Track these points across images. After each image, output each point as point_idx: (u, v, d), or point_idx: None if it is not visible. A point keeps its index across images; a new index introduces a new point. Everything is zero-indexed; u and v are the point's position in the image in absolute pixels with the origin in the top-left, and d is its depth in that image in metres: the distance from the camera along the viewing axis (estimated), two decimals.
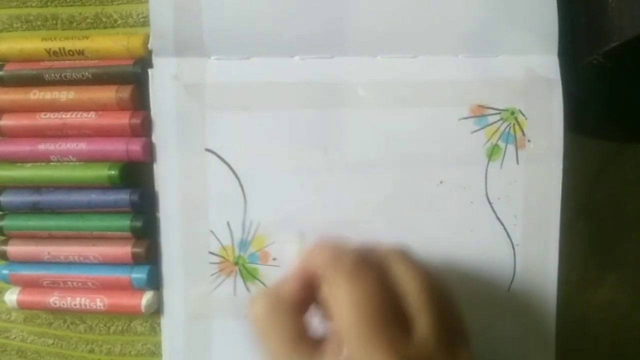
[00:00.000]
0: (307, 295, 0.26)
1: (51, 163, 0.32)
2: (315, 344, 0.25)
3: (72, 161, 0.32)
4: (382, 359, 0.23)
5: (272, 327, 0.25)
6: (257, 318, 0.25)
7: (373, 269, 0.25)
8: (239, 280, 0.33)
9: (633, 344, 0.37)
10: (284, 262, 0.32)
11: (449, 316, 0.26)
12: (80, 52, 0.32)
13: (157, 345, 0.35)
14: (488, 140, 0.32)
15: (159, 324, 0.34)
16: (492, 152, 0.32)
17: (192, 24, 0.31)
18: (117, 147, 0.32)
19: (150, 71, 0.32)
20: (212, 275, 0.33)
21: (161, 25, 0.31)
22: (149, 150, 0.32)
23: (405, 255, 0.27)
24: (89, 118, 0.32)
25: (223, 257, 0.32)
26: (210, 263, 0.32)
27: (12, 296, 0.33)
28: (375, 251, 0.27)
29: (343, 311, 0.24)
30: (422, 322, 0.24)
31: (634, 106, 0.36)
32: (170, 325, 0.33)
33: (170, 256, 0.33)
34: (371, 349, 0.23)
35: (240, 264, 0.33)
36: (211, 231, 0.32)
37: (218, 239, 0.32)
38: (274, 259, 0.32)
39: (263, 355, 0.25)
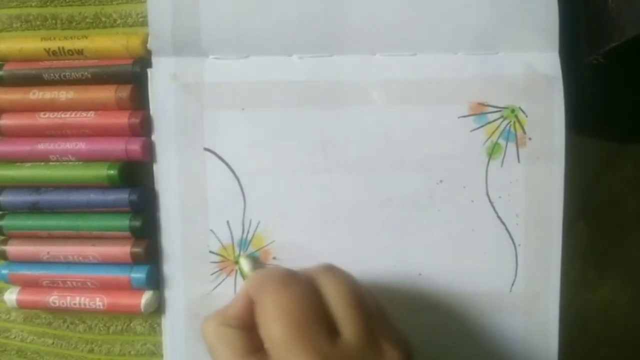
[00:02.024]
0: (250, 315, 0.27)
1: (50, 163, 0.32)
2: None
3: (71, 161, 0.32)
4: None
5: (220, 343, 0.27)
6: (207, 335, 0.27)
7: (299, 281, 0.27)
8: (239, 279, 0.33)
9: (633, 343, 0.37)
10: (283, 261, 0.32)
11: (375, 319, 0.27)
12: (80, 52, 0.32)
13: (157, 345, 0.35)
14: (488, 139, 0.32)
15: (158, 324, 0.34)
16: (493, 151, 0.32)
17: (191, 23, 0.31)
18: (116, 146, 0.32)
19: (149, 71, 0.32)
20: (212, 274, 0.33)
21: (160, 25, 0.31)
22: (148, 150, 0.32)
23: (330, 267, 0.28)
24: (88, 118, 0.32)
25: (223, 256, 0.32)
26: (211, 262, 0.32)
27: (11, 296, 0.33)
28: (305, 270, 0.28)
29: (268, 321, 0.25)
30: (347, 325, 0.25)
31: (634, 106, 0.36)
32: (171, 324, 0.33)
33: (170, 256, 0.33)
34: (296, 352, 0.24)
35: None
36: (211, 230, 0.32)
37: (218, 238, 0.32)
38: (274, 258, 0.32)
39: None
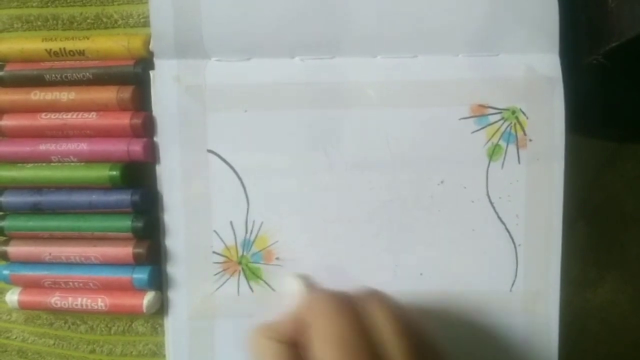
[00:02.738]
0: (298, 334, 0.27)
1: (52, 163, 0.32)
2: None
3: (73, 161, 0.32)
4: None
5: (267, 356, 0.27)
6: (255, 346, 0.27)
7: (353, 307, 0.27)
8: (243, 280, 0.33)
9: (633, 343, 0.37)
10: (286, 262, 0.33)
11: (424, 349, 0.27)
12: (81, 53, 0.32)
13: (159, 345, 0.35)
14: (489, 140, 0.32)
15: (160, 325, 0.34)
16: (493, 152, 0.32)
17: (193, 25, 0.31)
18: (118, 147, 0.32)
19: (151, 73, 0.32)
20: (215, 275, 0.33)
21: (162, 27, 0.31)
22: (150, 151, 0.32)
23: (378, 294, 0.28)
24: (89, 118, 0.32)
25: (226, 256, 0.33)
26: (214, 263, 0.33)
27: (13, 296, 0.33)
28: (353, 295, 0.28)
29: (321, 344, 0.25)
30: (397, 353, 0.25)
31: (634, 106, 0.36)
32: (174, 325, 0.33)
33: (173, 256, 0.33)
34: None
35: (244, 264, 0.33)
36: (214, 231, 0.32)
37: (221, 239, 0.32)
38: (277, 259, 0.33)
39: None
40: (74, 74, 0.32)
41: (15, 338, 0.36)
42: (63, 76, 0.32)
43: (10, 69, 0.33)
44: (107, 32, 0.33)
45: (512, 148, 0.32)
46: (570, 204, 0.32)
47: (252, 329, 0.28)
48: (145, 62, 0.32)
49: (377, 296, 0.28)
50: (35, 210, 0.32)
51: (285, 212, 0.32)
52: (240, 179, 0.32)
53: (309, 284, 0.32)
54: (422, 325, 0.28)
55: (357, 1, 0.31)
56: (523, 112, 0.32)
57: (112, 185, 0.32)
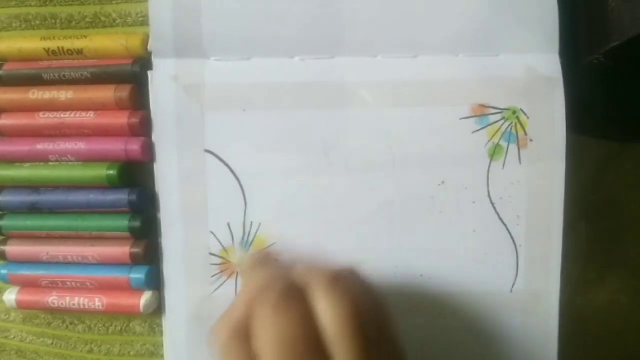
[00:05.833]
0: (249, 322, 0.26)
1: (50, 163, 0.32)
2: None
3: (70, 161, 0.32)
4: None
5: (230, 355, 0.25)
6: (218, 341, 0.26)
7: (296, 304, 0.25)
8: (240, 282, 0.33)
9: (634, 343, 0.37)
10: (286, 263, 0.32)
11: (373, 342, 0.25)
12: (79, 52, 0.32)
13: (156, 345, 0.34)
14: (490, 140, 0.32)
15: (158, 325, 0.34)
16: (494, 152, 0.32)
17: (192, 25, 0.31)
18: (116, 146, 0.32)
19: (150, 73, 0.32)
20: (213, 276, 0.33)
21: (161, 26, 0.31)
22: (148, 150, 0.32)
23: (332, 282, 0.26)
24: (87, 118, 0.32)
25: (224, 258, 0.32)
26: (211, 264, 0.32)
27: (10, 296, 0.33)
28: (311, 276, 0.27)
29: (262, 344, 0.24)
30: (340, 353, 0.24)
31: (635, 106, 0.35)
32: (172, 326, 0.33)
33: (171, 257, 0.32)
34: None
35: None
36: (212, 232, 0.32)
37: (219, 240, 0.32)
38: (275, 260, 0.32)
39: None
40: (72, 73, 0.32)
41: (14, 338, 0.36)
42: (61, 75, 0.32)
43: (8, 68, 0.33)
44: (106, 31, 0.33)
45: (513, 148, 0.32)
46: (571, 204, 0.32)
47: (214, 325, 0.27)
48: (143, 61, 0.32)
49: (331, 284, 0.26)
50: (33, 209, 0.32)
51: (284, 214, 0.32)
52: (238, 179, 0.32)
53: (266, 261, 0.31)
54: (389, 315, 0.27)
55: (357, 1, 0.31)
56: (524, 112, 0.32)
57: (110, 185, 0.32)
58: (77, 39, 0.32)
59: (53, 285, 0.33)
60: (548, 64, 0.32)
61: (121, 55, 0.32)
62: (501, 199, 0.32)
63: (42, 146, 0.32)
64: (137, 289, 0.32)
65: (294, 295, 0.26)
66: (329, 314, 0.25)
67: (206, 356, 0.33)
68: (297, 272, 0.27)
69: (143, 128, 0.32)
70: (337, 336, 0.24)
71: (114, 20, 0.33)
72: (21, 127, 0.32)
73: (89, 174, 0.32)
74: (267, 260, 0.31)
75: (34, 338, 0.36)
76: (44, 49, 0.32)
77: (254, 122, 0.32)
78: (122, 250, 0.32)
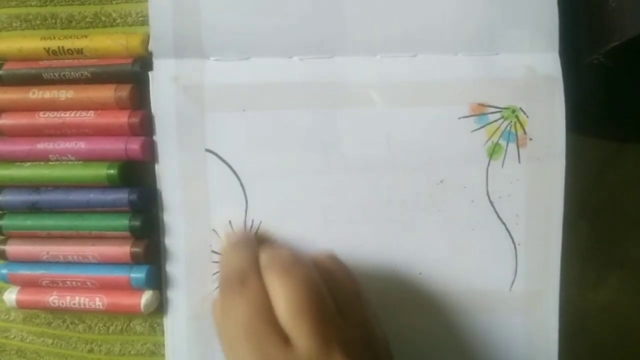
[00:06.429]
0: None
1: (50, 162, 0.32)
2: None
3: (70, 160, 0.32)
4: None
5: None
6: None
7: (253, 287, 0.26)
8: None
9: (634, 343, 0.37)
10: None
11: (332, 322, 0.26)
12: (79, 51, 0.32)
13: (157, 344, 0.35)
14: (489, 139, 0.32)
15: (158, 324, 0.34)
16: (493, 151, 0.32)
17: (192, 25, 0.31)
18: (116, 146, 0.32)
19: (150, 73, 0.32)
20: (214, 274, 0.33)
21: (161, 27, 0.31)
22: (148, 150, 0.32)
23: (284, 266, 0.27)
24: (87, 117, 0.32)
25: None
26: (213, 262, 0.32)
27: (11, 296, 0.33)
28: (264, 260, 0.28)
29: (224, 322, 0.26)
30: (295, 334, 0.25)
31: (635, 106, 0.35)
32: (173, 325, 0.33)
33: (172, 256, 0.33)
34: None
35: None
36: (213, 230, 0.32)
37: (220, 238, 0.32)
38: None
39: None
40: (72, 73, 0.32)
41: (14, 337, 0.36)
42: (61, 75, 0.32)
43: (8, 67, 0.33)
44: (106, 30, 0.33)
45: (512, 147, 0.32)
46: (571, 204, 0.32)
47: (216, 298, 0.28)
48: (143, 61, 0.32)
49: (282, 268, 0.26)
50: (33, 209, 0.32)
51: (284, 212, 0.32)
52: (238, 178, 0.32)
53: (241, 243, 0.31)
54: (364, 301, 0.28)
55: (357, 1, 0.31)
56: (523, 111, 0.32)
57: (110, 184, 0.32)
58: (77, 38, 0.32)
59: (53, 285, 0.33)
60: (548, 63, 0.32)
61: (121, 55, 0.32)
62: (500, 197, 0.32)
63: (42, 146, 0.32)
64: (138, 289, 0.32)
65: (251, 279, 0.26)
66: (282, 296, 0.25)
67: (207, 354, 0.33)
68: (261, 256, 0.28)
69: (143, 128, 0.32)
70: (290, 318, 0.25)
71: (114, 20, 0.33)
72: (21, 127, 0.32)
73: (89, 173, 0.32)
74: (242, 242, 0.31)
75: (34, 338, 0.36)
76: (44, 48, 0.32)
77: (253, 122, 0.32)
78: (122, 250, 0.32)
